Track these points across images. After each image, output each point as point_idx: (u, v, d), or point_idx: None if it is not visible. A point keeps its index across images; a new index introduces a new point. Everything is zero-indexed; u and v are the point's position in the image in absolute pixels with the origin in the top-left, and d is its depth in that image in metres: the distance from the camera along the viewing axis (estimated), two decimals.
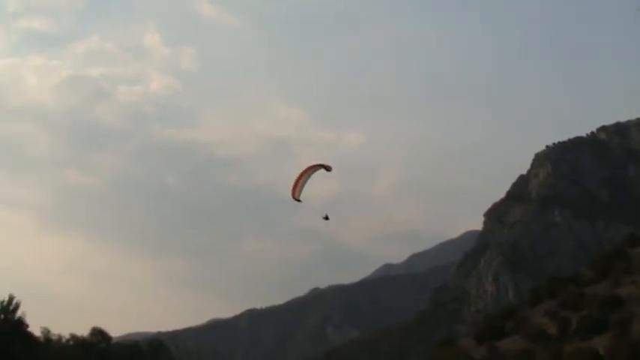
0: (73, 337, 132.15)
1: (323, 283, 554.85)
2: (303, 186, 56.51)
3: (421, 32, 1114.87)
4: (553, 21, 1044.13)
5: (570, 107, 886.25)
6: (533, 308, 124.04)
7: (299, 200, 55.76)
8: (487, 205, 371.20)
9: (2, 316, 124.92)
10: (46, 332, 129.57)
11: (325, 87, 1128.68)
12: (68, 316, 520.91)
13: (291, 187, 56.36)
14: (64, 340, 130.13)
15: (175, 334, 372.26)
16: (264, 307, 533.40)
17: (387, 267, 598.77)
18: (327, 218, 55.30)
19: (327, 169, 57.50)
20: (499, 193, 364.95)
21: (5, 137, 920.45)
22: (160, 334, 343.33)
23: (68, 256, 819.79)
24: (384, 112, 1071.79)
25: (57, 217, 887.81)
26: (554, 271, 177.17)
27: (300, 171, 56.62)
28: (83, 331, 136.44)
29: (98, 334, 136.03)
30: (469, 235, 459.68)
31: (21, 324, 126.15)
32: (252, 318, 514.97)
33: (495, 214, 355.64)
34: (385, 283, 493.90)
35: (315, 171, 57.19)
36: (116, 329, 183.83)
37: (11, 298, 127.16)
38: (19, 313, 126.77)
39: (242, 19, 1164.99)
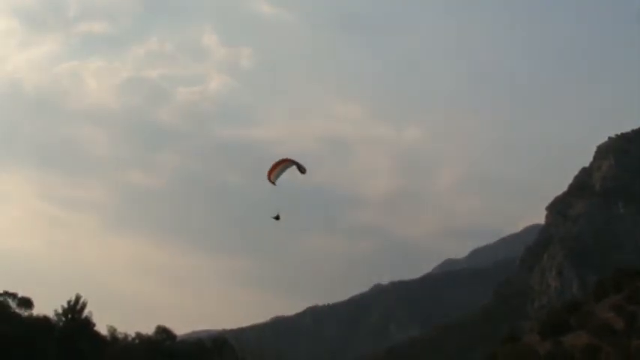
0: (139, 335, 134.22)
1: (385, 279, 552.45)
2: (281, 172, 56.17)
3: (480, 26, 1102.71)
4: (610, 11, 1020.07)
5: (633, 97, 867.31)
6: (599, 303, 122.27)
7: (273, 183, 55.34)
8: (549, 199, 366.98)
9: (69, 315, 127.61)
10: (113, 331, 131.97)
11: (383, 82, 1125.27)
12: (133, 315, 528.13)
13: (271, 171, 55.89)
14: (130, 339, 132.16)
15: (239, 332, 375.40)
16: (326, 303, 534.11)
17: (449, 262, 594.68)
18: (277, 218, 54.78)
19: (302, 170, 57.08)
20: (561, 186, 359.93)
21: (68, 140, 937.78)
22: (224, 331, 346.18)
23: (132, 255, 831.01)
24: (443, 106, 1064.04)
25: (120, 217, 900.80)
26: (619, 264, 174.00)
27: (281, 159, 56.48)
28: (148, 329, 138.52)
29: (163, 332, 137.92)
30: (532, 229, 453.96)
31: (88, 323, 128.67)
32: (315, 315, 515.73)
33: (558, 208, 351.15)
34: (447, 278, 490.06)
35: (291, 165, 56.78)
36: (181, 327, 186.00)
37: (78, 298, 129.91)
38: (85, 313, 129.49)
39: (299, 16, 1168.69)
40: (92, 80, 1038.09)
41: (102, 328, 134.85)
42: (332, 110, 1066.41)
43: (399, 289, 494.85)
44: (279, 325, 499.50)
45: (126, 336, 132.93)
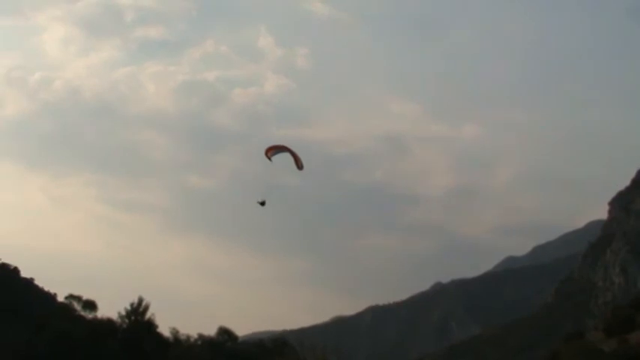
0: (201, 336, 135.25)
1: (445, 278, 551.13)
2: (279, 152, 56.57)
3: (538, 20, 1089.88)
4: None
5: None
6: None
7: (269, 159, 55.69)
8: (612, 194, 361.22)
9: (133, 317, 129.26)
10: (175, 332, 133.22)
11: (439, 80, 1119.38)
12: (195, 316, 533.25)
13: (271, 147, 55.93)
14: (192, 340, 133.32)
15: (300, 332, 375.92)
16: (386, 303, 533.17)
17: (510, 259, 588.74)
18: (263, 204, 54.95)
19: (298, 166, 57.25)
20: (624, 180, 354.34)
21: (128, 144, 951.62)
22: (285, 332, 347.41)
23: (192, 257, 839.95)
24: (500, 102, 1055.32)
25: (179, 219, 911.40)
26: None
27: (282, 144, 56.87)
28: (210, 330, 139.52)
29: (225, 333, 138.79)
30: (594, 224, 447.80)
31: (151, 325, 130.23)
32: (375, 314, 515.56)
33: (621, 203, 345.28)
34: (508, 276, 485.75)
35: (291, 153, 56.96)
36: (242, 328, 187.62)
37: (140, 300, 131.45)
38: (148, 315, 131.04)
39: (353, 15, 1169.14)
40: (150, 84, 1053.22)
41: (164, 329, 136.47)
42: (389, 109, 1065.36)
43: (460, 288, 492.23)
44: (339, 325, 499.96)
45: (188, 337, 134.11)
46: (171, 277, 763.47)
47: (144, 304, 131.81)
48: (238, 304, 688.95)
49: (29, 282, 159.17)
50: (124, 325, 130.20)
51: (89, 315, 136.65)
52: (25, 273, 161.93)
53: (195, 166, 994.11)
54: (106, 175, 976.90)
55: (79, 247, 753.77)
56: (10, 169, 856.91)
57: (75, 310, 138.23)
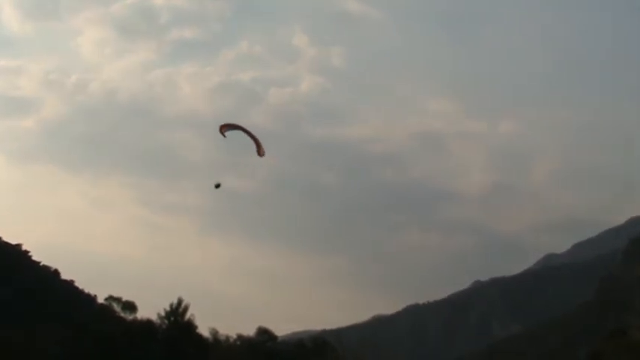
0: (240, 337, 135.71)
1: (484, 276, 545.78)
2: (233, 129, 56.81)
3: (573, 15, 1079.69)
4: None
5: None
6: None
7: (223, 135, 56.16)
8: None
9: (172, 318, 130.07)
10: (215, 333, 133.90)
11: (475, 77, 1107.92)
12: (234, 316, 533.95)
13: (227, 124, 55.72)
14: (231, 341, 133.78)
15: (339, 331, 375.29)
16: (426, 301, 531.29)
17: (550, 257, 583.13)
18: (218, 186, 55.21)
19: (260, 151, 57.49)
20: None
21: (164, 145, 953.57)
22: (324, 331, 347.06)
23: (230, 258, 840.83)
24: (537, 98, 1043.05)
25: (216, 220, 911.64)
26: None
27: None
28: (249, 331, 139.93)
29: (264, 333, 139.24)
30: (634, 220, 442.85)
31: (190, 326, 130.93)
32: (415, 313, 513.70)
33: None
34: (548, 273, 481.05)
35: (249, 135, 56.99)
36: (281, 328, 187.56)
37: (180, 301, 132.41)
38: (187, 315, 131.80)
39: (388, 13, 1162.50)
40: (185, 86, 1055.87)
41: (204, 330, 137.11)
42: (425, 107, 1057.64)
43: (500, 286, 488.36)
44: (379, 324, 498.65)
45: (227, 338, 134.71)
46: (210, 277, 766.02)
47: (183, 304, 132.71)
48: (277, 304, 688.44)
49: (69, 284, 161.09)
50: (164, 326, 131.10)
51: (129, 316, 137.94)
52: (65, 275, 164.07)
53: (232, 167, 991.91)
54: (143, 177, 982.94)
55: (117, 249, 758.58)
56: (48, 171, 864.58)
57: (115, 312, 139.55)
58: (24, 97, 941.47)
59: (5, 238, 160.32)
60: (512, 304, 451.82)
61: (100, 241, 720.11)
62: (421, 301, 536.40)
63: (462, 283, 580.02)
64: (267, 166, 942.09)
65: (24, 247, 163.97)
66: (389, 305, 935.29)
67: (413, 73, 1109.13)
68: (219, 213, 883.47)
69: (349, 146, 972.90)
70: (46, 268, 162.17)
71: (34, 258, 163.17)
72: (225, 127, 54.74)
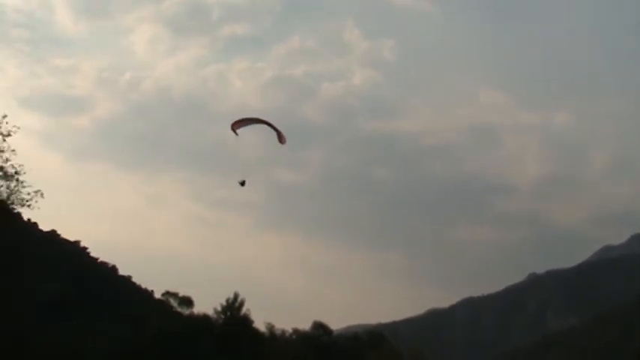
0: (296, 331, 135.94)
1: (540, 268, 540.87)
2: (247, 125, 54.60)
3: (629, 2, 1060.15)
4: None
5: None
6: None
7: (236, 133, 53.88)
8: None
9: (228, 313, 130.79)
10: (270, 327, 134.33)
11: (528, 68, 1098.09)
12: (289, 311, 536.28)
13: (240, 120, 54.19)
14: (287, 335, 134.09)
15: (394, 325, 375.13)
16: (481, 294, 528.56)
17: (607, 249, 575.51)
18: (243, 184, 53.48)
19: (281, 139, 55.22)
20: None
21: (217, 141, 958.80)
22: (379, 325, 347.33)
23: (284, 252, 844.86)
24: (592, 89, 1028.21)
25: (270, 215, 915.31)
26: None
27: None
28: (305, 325, 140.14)
29: (319, 327, 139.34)
30: None
31: (246, 320, 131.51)
32: (470, 306, 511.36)
33: None
34: (605, 265, 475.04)
35: (268, 126, 54.94)
36: (337, 322, 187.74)
37: (236, 296, 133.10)
38: (243, 310, 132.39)
39: (439, 4, 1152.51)
40: (237, 81, 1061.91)
41: (260, 324, 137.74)
42: (477, 99, 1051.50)
43: (556, 278, 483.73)
44: (434, 318, 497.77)
45: (283, 332, 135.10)
46: (264, 272, 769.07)
47: (239, 299, 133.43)
48: (333, 298, 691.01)
49: (127, 280, 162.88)
50: (220, 321, 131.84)
51: (186, 311, 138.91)
52: (122, 271, 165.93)
53: (285, 161, 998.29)
54: (196, 173, 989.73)
55: (173, 245, 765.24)
56: (103, 169, 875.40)
57: (172, 307, 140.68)
58: (78, 95, 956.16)
59: (64, 236, 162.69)
60: (569, 296, 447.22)
61: (156, 237, 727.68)
62: (476, 294, 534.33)
63: (518, 276, 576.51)
64: (321, 160, 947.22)
65: (82, 244, 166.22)
66: (444, 299, 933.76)
67: (464, 65, 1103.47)
68: (272, 208, 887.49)
69: (401, 139, 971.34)
70: (104, 264, 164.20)
71: (93, 254, 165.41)
72: (237, 125, 53.42)
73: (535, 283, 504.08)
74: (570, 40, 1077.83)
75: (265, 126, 54.87)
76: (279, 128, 54.25)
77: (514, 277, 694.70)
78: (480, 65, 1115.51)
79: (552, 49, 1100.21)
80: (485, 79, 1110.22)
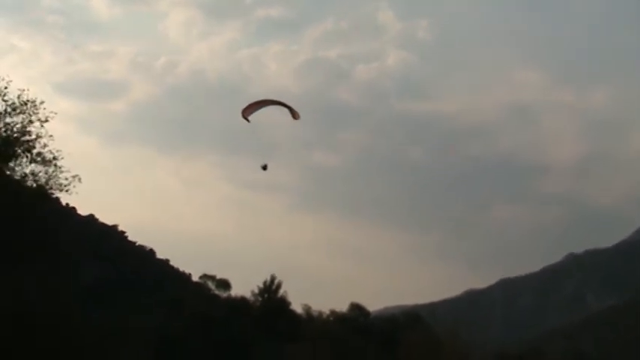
0: (333, 313, 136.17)
1: (578, 248, 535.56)
2: (258, 109, 53.08)
3: None
4: None
5: None
6: None
7: (247, 120, 52.48)
8: None
9: (266, 295, 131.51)
10: (308, 309, 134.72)
11: (565, 46, 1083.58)
12: (327, 293, 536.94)
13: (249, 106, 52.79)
14: (324, 317, 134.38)
15: (432, 306, 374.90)
16: (518, 275, 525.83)
17: None
18: (265, 168, 52.42)
19: (294, 115, 53.65)
20: None
21: (252, 124, 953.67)
22: (416, 306, 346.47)
23: (320, 234, 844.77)
24: (630, 65, 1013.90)
25: (305, 197, 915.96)
26: None
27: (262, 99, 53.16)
28: (342, 306, 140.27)
29: (356, 309, 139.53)
30: None
31: (283, 302, 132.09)
32: (507, 287, 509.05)
33: None
34: None
35: (278, 105, 53.41)
36: (374, 303, 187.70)
37: (273, 278, 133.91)
38: (281, 292, 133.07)
39: None
40: (272, 64, 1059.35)
41: (297, 307, 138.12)
42: (513, 78, 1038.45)
43: (594, 258, 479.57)
44: (471, 298, 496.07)
45: (320, 314, 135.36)
46: (302, 254, 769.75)
47: (276, 282, 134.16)
48: (369, 280, 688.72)
49: (165, 263, 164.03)
50: (258, 303, 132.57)
51: (223, 294, 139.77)
52: (160, 254, 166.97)
53: (320, 143, 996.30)
54: (232, 156, 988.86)
55: (210, 228, 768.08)
56: (140, 153, 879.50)
57: (209, 290, 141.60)
58: (113, 80, 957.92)
59: (102, 220, 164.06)
60: (608, 276, 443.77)
61: (192, 220, 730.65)
62: (513, 274, 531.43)
63: (555, 256, 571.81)
64: (355, 141, 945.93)
65: (120, 228, 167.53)
66: (481, 279, 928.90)
67: (500, 44, 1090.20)
68: (307, 189, 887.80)
69: (436, 120, 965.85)
70: (141, 248, 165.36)
71: (130, 238, 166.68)
72: (247, 111, 52.36)
73: (573, 263, 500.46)
74: (608, 16, 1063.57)
75: (277, 106, 53.81)
76: (290, 105, 53.16)
77: (551, 257, 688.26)
78: (515, 43, 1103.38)
79: (589, 25, 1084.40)
80: (521, 57, 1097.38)
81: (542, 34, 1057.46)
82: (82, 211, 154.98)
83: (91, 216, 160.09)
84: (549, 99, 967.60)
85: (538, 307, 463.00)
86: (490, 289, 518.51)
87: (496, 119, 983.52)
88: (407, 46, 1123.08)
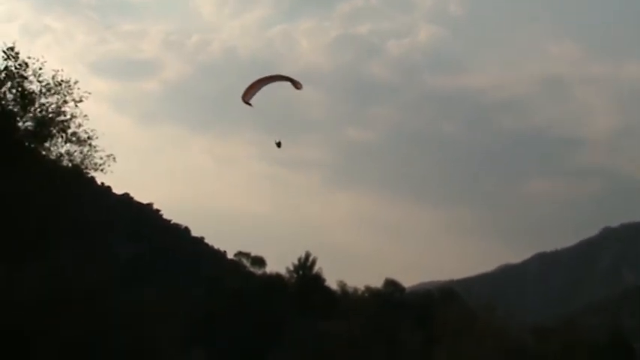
0: (368, 289, 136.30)
1: (614, 222, 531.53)
2: (258, 90, 51.91)
3: None
4: None
5: None
6: None
7: (249, 104, 51.43)
8: None
9: (301, 272, 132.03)
10: (343, 285, 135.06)
11: (600, 17, 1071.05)
12: (362, 269, 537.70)
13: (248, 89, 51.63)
14: (359, 293, 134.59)
15: (467, 281, 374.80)
16: (553, 249, 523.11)
17: None
18: (279, 145, 51.36)
19: (297, 85, 52.30)
20: None
21: (285, 102, 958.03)
22: (451, 282, 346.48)
23: (354, 210, 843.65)
24: None
25: (339, 173, 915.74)
26: None
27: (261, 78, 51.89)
28: (377, 283, 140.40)
29: (391, 285, 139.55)
30: None
31: (318, 279, 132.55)
32: (542, 261, 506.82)
33: None
34: None
35: (278, 81, 52.14)
36: (409, 279, 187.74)
37: (307, 255, 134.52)
38: (315, 269, 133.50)
39: None
40: (303, 41, 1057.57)
41: (332, 283, 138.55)
42: (546, 51, 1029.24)
43: (630, 231, 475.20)
44: (505, 273, 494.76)
45: (355, 290, 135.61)
46: (337, 231, 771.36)
47: (311, 258, 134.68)
48: (404, 255, 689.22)
49: (200, 241, 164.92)
50: (293, 280, 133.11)
51: (258, 271, 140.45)
52: (195, 232, 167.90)
53: (352, 119, 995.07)
54: (265, 133, 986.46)
55: (244, 205, 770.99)
56: (173, 132, 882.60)
57: (244, 267, 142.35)
58: (146, 59, 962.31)
59: (137, 199, 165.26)
60: None
61: (227, 198, 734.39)
62: (548, 249, 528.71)
63: (591, 230, 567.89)
64: (387, 117, 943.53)
65: (155, 207, 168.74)
66: (516, 254, 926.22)
67: (533, 17, 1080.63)
68: (343, 166, 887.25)
69: (469, 95, 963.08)
70: (176, 226, 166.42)
71: (165, 217, 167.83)
72: (247, 94, 51.42)
73: (609, 236, 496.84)
74: None
75: (278, 83, 53.01)
76: (290, 77, 52.31)
77: (587, 230, 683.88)
78: (548, 16, 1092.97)
79: None
80: (554, 29, 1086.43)
81: (576, 6, 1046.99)
82: (117, 190, 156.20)
83: (126, 195, 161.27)
84: (583, 71, 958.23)
85: (574, 281, 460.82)
86: (525, 264, 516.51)
87: (530, 92, 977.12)
88: (438, 20, 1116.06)
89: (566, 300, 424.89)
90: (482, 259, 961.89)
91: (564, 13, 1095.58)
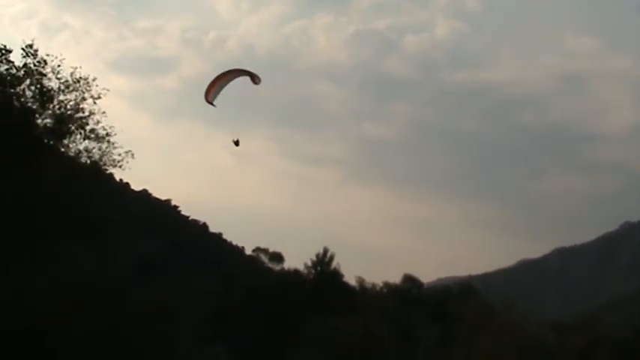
0: (387, 285, 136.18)
1: (634, 217, 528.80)
2: (221, 89, 51.31)
3: None
4: None
5: None
6: None
7: (212, 104, 50.91)
8: None
9: (319, 268, 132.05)
10: (361, 281, 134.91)
11: (617, 11, 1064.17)
12: (380, 265, 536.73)
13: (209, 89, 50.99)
14: (377, 289, 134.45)
15: (486, 277, 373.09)
16: (573, 244, 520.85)
17: None
18: (237, 144, 50.79)
19: (255, 79, 51.66)
20: None
21: (303, 98, 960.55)
22: (470, 277, 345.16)
23: (373, 206, 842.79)
24: None
25: (358, 169, 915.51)
26: None
27: (221, 73, 51.15)
28: (395, 278, 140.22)
29: (410, 280, 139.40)
30: None
31: (336, 274, 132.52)
32: (562, 256, 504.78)
33: None
34: None
35: (237, 76, 51.44)
36: (427, 275, 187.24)
37: (326, 251, 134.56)
38: (333, 265, 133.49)
39: None
40: (321, 37, 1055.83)
41: (350, 279, 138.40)
42: (565, 46, 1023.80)
43: None
44: (525, 268, 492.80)
45: (374, 286, 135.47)
46: (355, 227, 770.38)
47: (329, 254, 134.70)
48: (422, 251, 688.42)
49: (218, 237, 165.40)
50: (311, 276, 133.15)
51: (276, 267, 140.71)
52: (213, 228, 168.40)
53: (372, 115, 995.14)
54: (285, 130, 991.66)
55: (263, 201, 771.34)
56: (191, 128, 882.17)
57: (262, 263, 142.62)
58: (163, 56, 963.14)
59: (156, 195, 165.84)
60: None
61: (246, 194, 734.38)
62: (568, 244, 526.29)
63: (611, 225, 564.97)
64: (406, 113, 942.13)
65: (173, 203, 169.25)
66: (535, 249, 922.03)
67: (552, 11, 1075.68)
68: (361, 162, 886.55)
69: (488, 90, 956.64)
70: (195, 222, 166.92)
71: (184, 213, 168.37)
72: (210, 93, 50.86)
73: (629, 231, 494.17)
74: None
75: (238, 79, 52.43)
76: (250, 71, 51.78)
77: (607, 225, 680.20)
78: (567, 10, 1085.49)
79: None
80: (573, 24, 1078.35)
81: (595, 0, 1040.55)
82: (136, 186, 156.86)
83: (145, 191, 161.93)
84: (603, 66, 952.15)
85: (594, 277, 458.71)
86: (545, 259, 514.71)
87: (549, 88, 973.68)
88: (456, 15, 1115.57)
89: (586, 295, 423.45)
90: (502, 254, 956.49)
91: (582, 6, 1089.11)
